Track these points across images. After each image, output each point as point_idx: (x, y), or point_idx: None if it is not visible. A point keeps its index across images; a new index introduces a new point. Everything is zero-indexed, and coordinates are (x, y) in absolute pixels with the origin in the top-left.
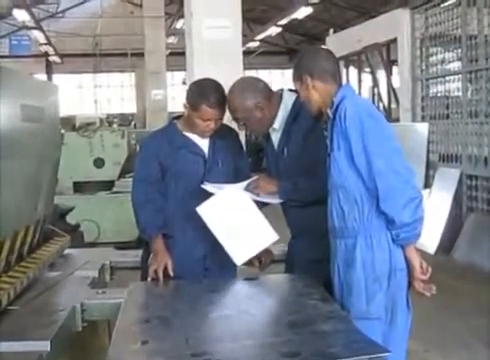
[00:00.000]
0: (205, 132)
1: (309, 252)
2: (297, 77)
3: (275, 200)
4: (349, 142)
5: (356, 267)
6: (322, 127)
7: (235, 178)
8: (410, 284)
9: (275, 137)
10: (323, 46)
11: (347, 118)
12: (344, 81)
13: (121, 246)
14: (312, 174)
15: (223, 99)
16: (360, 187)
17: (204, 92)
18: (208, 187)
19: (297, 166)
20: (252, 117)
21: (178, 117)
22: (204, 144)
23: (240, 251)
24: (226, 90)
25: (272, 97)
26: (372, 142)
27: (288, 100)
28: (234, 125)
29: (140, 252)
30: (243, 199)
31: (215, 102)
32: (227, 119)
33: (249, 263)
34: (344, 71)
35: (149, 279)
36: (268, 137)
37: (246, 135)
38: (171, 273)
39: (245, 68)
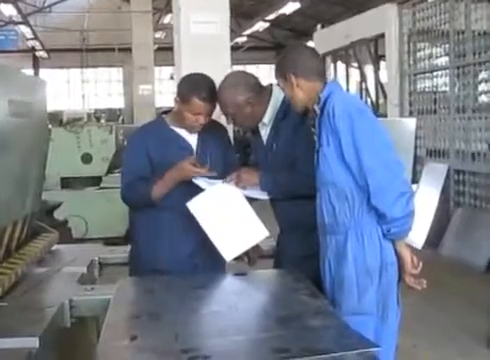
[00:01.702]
0: (194, 127)
1: (298, 247)
2: (280, 75)
3: (264, 196)
4: (338, 138)
5: (347, 262)
6: (309, 123)
7: (224, 174)
8: (400, 279)
9: (264, 132)
10: (310, 42)
11: (336, 114)
12: (332, 76)
13: (109, 242)
14: (293, 169)
15: (214, 94)
16: (350, 183)
17: (196, 85)
18: (198, 181)
19: (286, 161)
20: (242, 112)
21: (167, 112)
22: (192, 139)
23: (230, 247)
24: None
25: (262, 92)
26: (362, 138)
27: (278, 95)
28: (222, 120)
29: (128, 248)
30: (234, 195)
31: (206, 96)
32: (215, 114)
33: (238, 258)
34: (332, 66)
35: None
36: (257, 132)
37: (234, 131)
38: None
39: (233, 63)
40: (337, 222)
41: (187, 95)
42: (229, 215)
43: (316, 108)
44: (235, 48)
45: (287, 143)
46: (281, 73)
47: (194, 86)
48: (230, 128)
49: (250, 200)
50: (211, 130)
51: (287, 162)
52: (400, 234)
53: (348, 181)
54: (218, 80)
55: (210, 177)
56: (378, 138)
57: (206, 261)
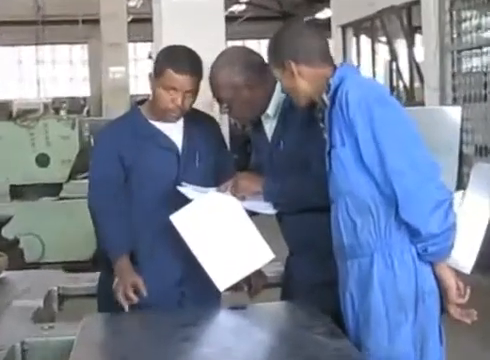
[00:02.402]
0: (170, 111)
1: (312, 273)
2: (276, 64)
3: (269, 209)
4: (355, 135)
5: (374, 293)
6: (317, 116)
7: (217, 179)
8: (443, 310)
9: (269, 126)
10: (327, 10)
11: (350, 105)
12: (353, 54)
13: (72, 267)
14: (306, 174)
15: (195, 67)
16: (373, 191)
17: (171, 55)
18: (185, 190)
19: (296, 163)
20: (240, 97)
21: (142, 101)
22: (177, 136)
23: (224, 273)
24: (206, 66)
25: (266, 74)
26: (384, 133)
27: None
28: (215, 114)
29: (97, 275)
30: (230, 206)
31: (183, 67)
32: (205, 106)
33: (236, 288)
34: (354, 41)
35: (125, 307)
36: (259, 126)
37: (230, 124)
38: (144, 293)
39: (228, 38)
40: (359, 242)
41: (160, 66)
42: (224, 232)
43: (325, 98)
44: (231, 19)
45: (298, 140)
46: (277, 61)
47: (169, 56)
48: (225, 121)
49: (251, 214)
50: (200, 125)
51: (298, 164)
52: (440, 254)
53: (370, 189)
54: (209, 60)
55: (197, 184)
56: (405, 132)
57: (196, 291)
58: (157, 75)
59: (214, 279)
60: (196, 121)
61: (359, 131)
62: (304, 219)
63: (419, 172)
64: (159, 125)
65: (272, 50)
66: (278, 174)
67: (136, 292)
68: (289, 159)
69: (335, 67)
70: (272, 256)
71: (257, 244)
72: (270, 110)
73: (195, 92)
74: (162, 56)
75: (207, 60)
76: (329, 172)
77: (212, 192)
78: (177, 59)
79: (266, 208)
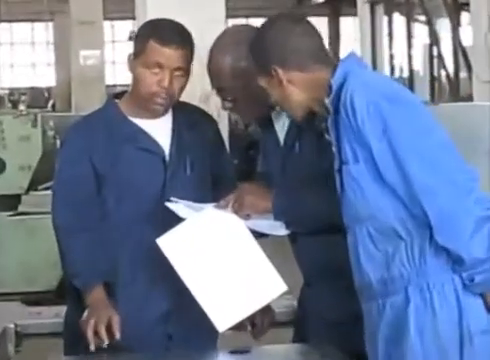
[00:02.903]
0: (155, 96)
1: (333, 307)
2: (261, 71)
3: (281, 230)
4: (369, 147)
5: (410, 337)
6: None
7: (213, 191)
8: None
9: (280, 125)
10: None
11: (356, 110)
12: (384, 36)
13: (32, 299)
14: (326, 185)
15: (185, 38)
16: (400, 212)
17: (154, 26)
18: (175, 206)
19: (314, 171)
20: (246, 88)
21: (121, 94)
22: (163, 136)
23: (226, 310)
24: (202, 49)
25: None
26: (403, 142)
27: None
28: (211, 108)
29: (63, 309)
30: (232, 226)
31: (170, 36)
32: (199, 99)
33: (238, 326)
34: (385, 20)
35: (91, 347)
36: (269, 125)
37: (230, 122)
38: (117, 335)
39: (228, 15)
40: (391, 276)
41: (142, 40)
42: (224, 259)
43: (327, 103)
44: None
45: (317, 143)
46: (261, 68)
47: (152, 26)
48: (224, 122)
49: (257, 235)
50: (193, 123)
51: (316, 173)
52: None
53: (397, 211)
54: (206, 41)
55: (188, 197)
56: (430, 137)
57: (186, 330)
58: (138, 53)
59: (212, 318)
60: (188, 118)
61: (372, 142)
62: (324, 240)
63: (453, 187)
64: (141, 123)
65: (255, 55)
66: (291, 185)
67: (109, 331)
68: (305, 166)
69: (335, 65)
70: (284, 288)
71: (266, 273)
72: None
73: (186, 71)
74: (143, 29)
75: (203, 42)
76: (341, 194)
77: (209, 209)
78: (162, 29)
79: (276, 228)
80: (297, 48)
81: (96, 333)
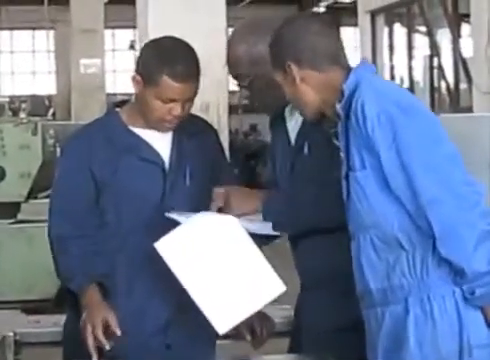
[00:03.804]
0: (166, 122)
1: (331, 313)
2: (277, 66)
3: (270, 230)
4: (377, 154)
5: (409, 348)
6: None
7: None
8: None
9: (292, 124)
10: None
11: (367, 118)
12: (385, 47)
13: (32, 307)
14: (328, 189)
15: (196, 68)
16: (405, 223)
17: (167, 56)
18: (176, 217)
19: (323, 173)
20: (264, 75)
21: (122, 103)
22: (163, 146)
23: (225, 312)
24: (204, 56)
25: None
26: (412, 152)
27: None
28: (210, 116)
29: (62, 318)
30: (230, 228)
31: (184, 72)
32: (200, 107)
33: (236, 335)
34: (386, 31)
35: (94, 357)
36: (280, 123)
37: (231, 132)
38: (117, 332)
39: (230, 24)
40: (391, 285)
41: (154, 72)
42: (222, 260)
43: (338, 108)
44: (233, 2)
45: (327, 145)
46: (277, 63)
47: (164, 57)
48: (225, 131)
49: (256, 238)
50: (193, 132)
51: (325, 177)
52: None
53: (401, 220)
54: (206, 51)
55: (187, 207)
56: (439, 149)
57: (185, 340)
58: (149, 83)
59: (212, 320)
60: (188, 127)
61: (381, 150)
62: (325, 246)
63: (459, 199)
64: (141, 132)
65: (272, 50)
66: (296, 185)
67: (108, 333)
68: (312, 169)
69: (349, 70)
70: (283, 288)
71: (264, 273)
72: None
73: (195, 95)
74: (152, 57)
75: (205, 50)
76: (347, 201)
77: (206, 214)
78: (175, 62)
79: (266, 229)
80: (312, 47)
81: (96, 338)
